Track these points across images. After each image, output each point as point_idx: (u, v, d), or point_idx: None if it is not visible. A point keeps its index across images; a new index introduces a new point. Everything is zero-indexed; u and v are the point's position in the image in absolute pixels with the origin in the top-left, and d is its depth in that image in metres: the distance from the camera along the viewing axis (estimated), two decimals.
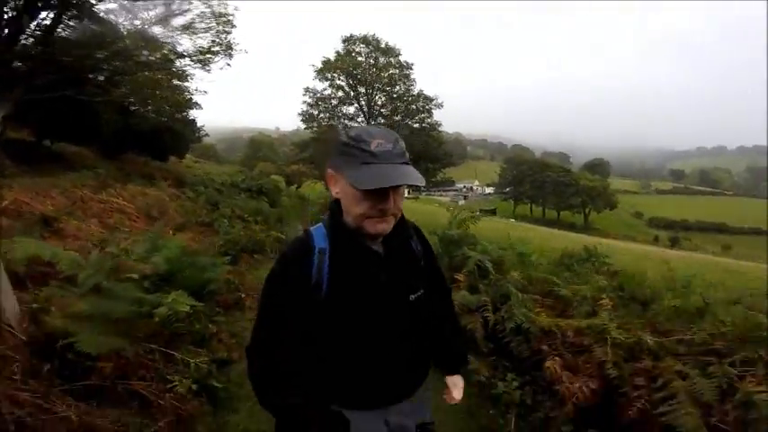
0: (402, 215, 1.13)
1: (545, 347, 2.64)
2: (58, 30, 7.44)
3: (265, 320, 1.08)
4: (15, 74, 7.18)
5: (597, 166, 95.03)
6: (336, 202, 1.10)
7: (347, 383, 1.11)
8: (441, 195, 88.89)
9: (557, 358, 2.47)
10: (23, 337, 2.35)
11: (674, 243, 49.57)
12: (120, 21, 7.80)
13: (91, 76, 8.39)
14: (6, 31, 6.38)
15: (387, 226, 1.06)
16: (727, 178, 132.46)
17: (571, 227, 55.33)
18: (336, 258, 1.08)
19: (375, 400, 1.15)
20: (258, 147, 51.15)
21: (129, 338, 2.40)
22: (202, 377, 2.61)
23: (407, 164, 1.03)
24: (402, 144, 1.04)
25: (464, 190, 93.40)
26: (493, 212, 61.41)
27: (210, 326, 3.32)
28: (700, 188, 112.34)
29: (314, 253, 1.08)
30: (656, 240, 52.11)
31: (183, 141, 15.95)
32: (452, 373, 1.40)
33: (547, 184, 60.32)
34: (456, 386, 1.38)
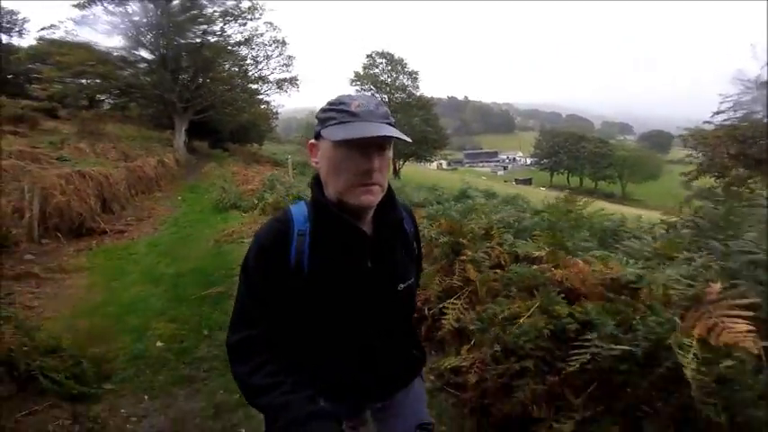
0: (393, 193, 1.02)
1: None
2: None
3: (243, 317, 0.97)
4: (187, 105, 14.47)
5: (656, 137, 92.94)
6: (317, 178, 1.00)
7: (330, 376, 1.03)
8: (482, 166, 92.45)
9: None
10: None
11: None
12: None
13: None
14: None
15: (372, 198, 0.92)
16: None
17: (608, 196, 56.56)
18: (317, 238, 0.96)
19: (359, 395, 1.08)
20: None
21: None
22: None
23: (392, 125, 0.91)
24: (386, 109, 0.93)
25: (506, 161, 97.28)
26: (528, 182, 63.88)
27: None
28: None
29: (292, 237, 0.96)
30: None
31: (262, 133, 23.47)
32: None
33: (582, 154, 61.93)
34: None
